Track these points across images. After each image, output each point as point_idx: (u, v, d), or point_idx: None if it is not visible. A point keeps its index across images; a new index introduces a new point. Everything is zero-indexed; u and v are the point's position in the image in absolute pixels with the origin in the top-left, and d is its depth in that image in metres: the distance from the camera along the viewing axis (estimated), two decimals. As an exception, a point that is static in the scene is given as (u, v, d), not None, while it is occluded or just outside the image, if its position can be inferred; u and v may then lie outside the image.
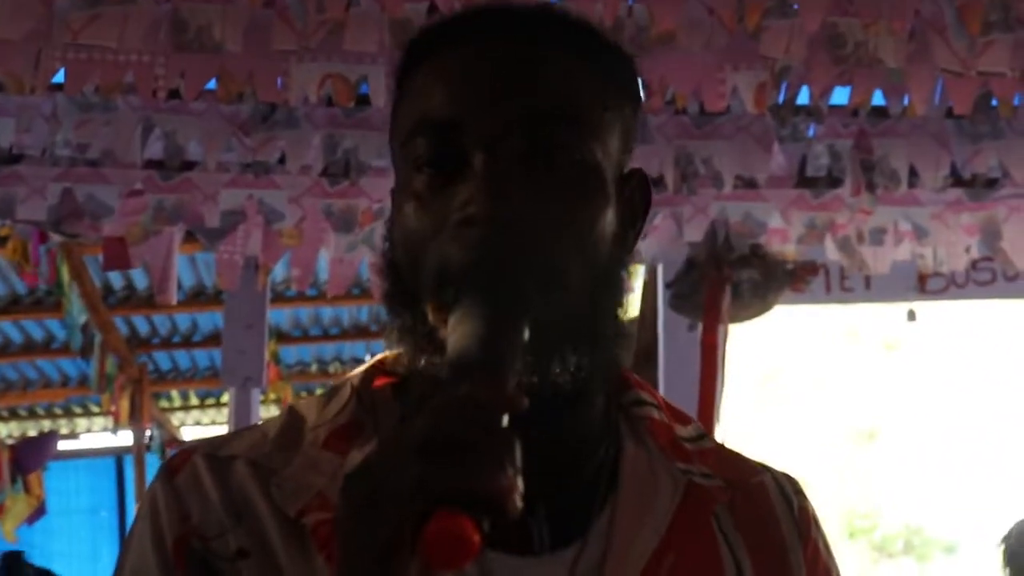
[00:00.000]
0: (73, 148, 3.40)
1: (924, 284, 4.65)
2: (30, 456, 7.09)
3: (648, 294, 4.96)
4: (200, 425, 9.39)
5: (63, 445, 8.27)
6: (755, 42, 2.72)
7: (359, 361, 7.79)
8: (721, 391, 4.39)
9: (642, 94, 1.09)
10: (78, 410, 9.02)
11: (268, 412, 7.14)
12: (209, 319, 7.20)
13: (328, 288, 4.15)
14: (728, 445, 1.14)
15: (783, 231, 3.93)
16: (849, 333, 17.56)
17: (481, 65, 0.99)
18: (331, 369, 8.13)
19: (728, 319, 4.21)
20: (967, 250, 4.01)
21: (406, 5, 2.58)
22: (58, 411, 9.02)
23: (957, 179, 3.67)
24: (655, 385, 4.59)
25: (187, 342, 7.65)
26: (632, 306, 5.34)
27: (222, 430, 8.27)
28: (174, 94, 2.93)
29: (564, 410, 0.99)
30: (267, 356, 5.16)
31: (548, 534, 0.98)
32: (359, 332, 7.55)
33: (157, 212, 3.57)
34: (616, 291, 1.01)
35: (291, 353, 7.86)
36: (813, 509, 1.12)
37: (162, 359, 7.97)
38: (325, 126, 3.29)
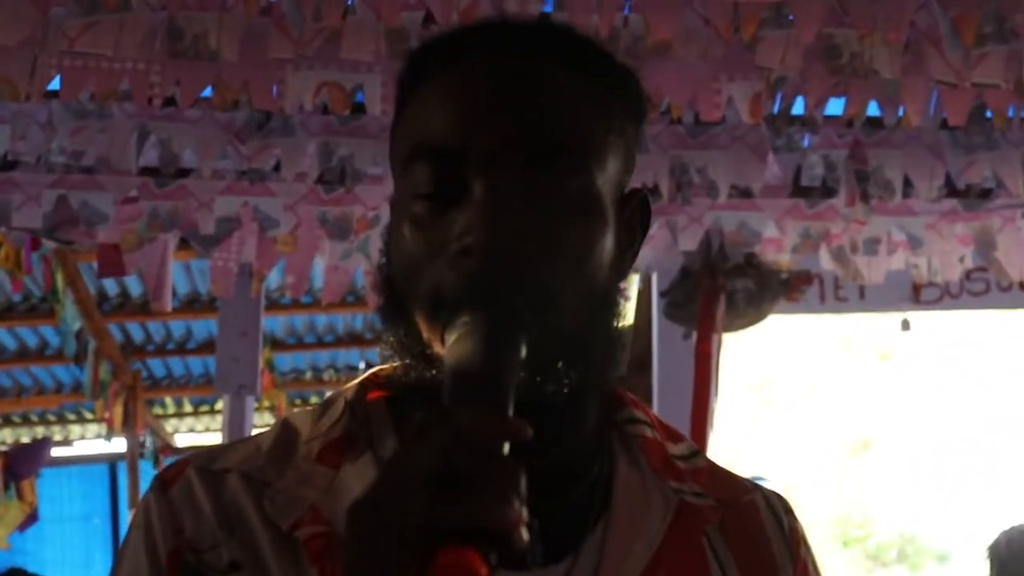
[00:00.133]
0: (68, 155, 3.40)
1: (918, 294, 4.66)
2: (23, 463, 7.06)
3: (642, 303, 4.97)
4: (194, 432, 9.38)
5: (57, 452, 8.25)
6: (751, 52, 2.72)
7: (353, 369, 7.80)
8: (715, 400, 4.40)
9: (644, 106, 1.09)
10: (72, 417, 9.00)
11: (262, 419, 7.14)
12: (203, 326, 7.19)
13: (323, 296, 4.15)
14: (720, 460, 1.14)
15: (778, 240, 3.94)
16: (843, 343, 17.59)
17: (483, 90, 0.98)
18: (325, 377, 8.13)
19: (722, 328, 4.22)
20: (961, 260, 4.02)
21: (402, 14, 2.58)
22: (52, 418, 9.00)
23: (951, 189, 3.68)
24: (649, 393, 4.60)
25: (181, 349, 7.65)
26: (627, 318, 5.33)
27: (216, 437, 8.28)
28: (169, 102, 2.93)
29: (558, 428, 0.99)
30: (261, 363, 5.16)
31: (540, 549, 0.98)
32: (354, 340, 7.55)
33: (152, 219, 3.58)
34: (611, 313, 1.01)
35: (286, 360, 7.86)
36: (803, 529, 1.12)
37: (156, 366, 7.96)
38: (320, 134, 3.29)
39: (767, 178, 3.51)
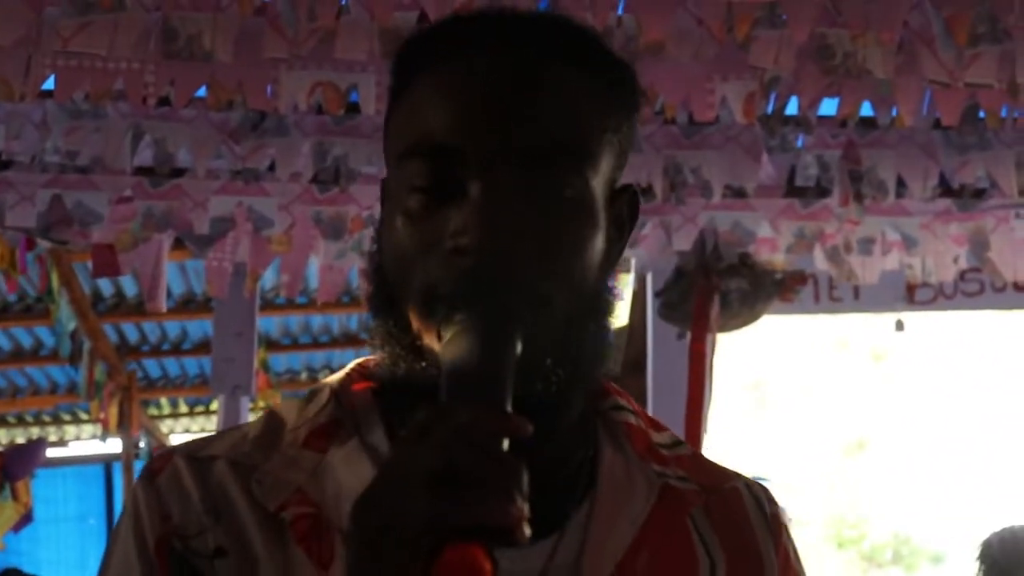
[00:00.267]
0: (63, 155, 3.40)
1: (912, 295, 4.67)
2: (18, 463, 7.05)
3: (637, 303, 4.97)
4: (189, 433, 9.36)
5: (52, 452, 8.24)
6: (744, 52, 2.73)
7: (349, 369, 7.79)
8: (709, 400, 4.40)
9: (639, 99, 1.09)
10: (67, 417, 9.00)
11: (257, 420, 7.12)
12: (199, 327, 7.19)
13: (318, 295, 4.15)
14: (710, 453, 1.15)
15: (772, 240, 3.95)
16: (838, 343, 17.61)
17: (482, 87, 0.98)
18: (321, 377, 8.09)
19: (716, 328, 4.22)
20: (955, 260, 4.02)
21: (396, 14, 2.58)
22: (47, 418, 8.99)
23: (945, 189, 3.69)
24: (644, 393, 4.61)
25: (176, 350, 7.64)
26: (620, 315, 5.34)
27: (211, 438, 8.27)
28: (164, 101, 2.94)
29: (549, 422, 1.00)
30: (256, 364, 5.16)
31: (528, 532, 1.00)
32: (349, 340, 7.55)
33: (146, 219, 3.58)
34: (601, 309, 1.02)
35: (281, 361, 7.86)
36: (784, 517, 1.14)
37: (151, 366, 7.96)
38: (315, 134, 3.29)
39: (761, 178, 3.52)
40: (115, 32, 2.63)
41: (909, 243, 3.92)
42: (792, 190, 3.74)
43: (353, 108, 3.03)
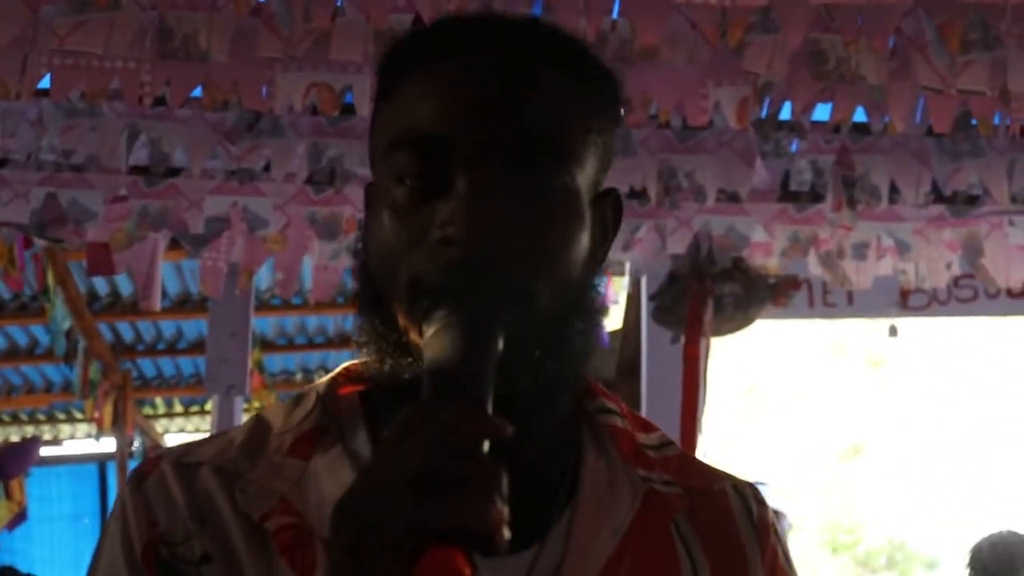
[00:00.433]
0: (58, 153, 3.41)
1: (906, 300, 4.68)
2: (12, 462, 7.05)
3: (632, 307, 4.98)
4: (184, 432, 9.36)
5: (46, 451, 8.24)
6: (738, 57, 2.73)
7: (343, 370, 7.79)
8: (703, 403, 4.41)
9: (622, 109, 1.11)
10: (61, 416, 8.99)
11: (252, 420, 7.12)
12: (194, 326, 7.19)
13: (312, 295, 4.16)
14: (706, 457, 1.15)
15: (766, 245, 3.96)
16: (835, 348, 17.62)
17: (470, 84, 0.99)
18: (316, 378, 8.05)
19: (710, 332, 4.23)
20: (948, 266, 4.03)
21: (391, 16, 2.59)
22: (41, 417, 8.99)
23: (938, 196, 3.69)
24: (638, 396, 4.61)
25: (172, 349, 7.64)
26: (608, 317, 5.35)
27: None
28: (159, 101, 2.94)
29: (530, 420, 1.00)
30: (251, 364, 5.16)
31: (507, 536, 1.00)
32: (344, 341, 7.54)
33: (141, 218, 3.59)
34: (585, 309, 1.03)
35: (276, 362, 7.86)
36: (773, 518, 1.14)
37: (146, 366, 7.96)
38: (310, 134, 3.30)
39: (755, 183, 3.53)
40: (111, 31, 2.63)
41: (902, 248, 3.93)
42: (786, 195, 3.75)
43: (348, 109, 3.04)
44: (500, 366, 0.91)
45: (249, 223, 3.67)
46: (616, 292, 5.13)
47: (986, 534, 3.89)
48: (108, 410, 6.95)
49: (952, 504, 16.63)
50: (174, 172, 3.57)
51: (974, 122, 2.95)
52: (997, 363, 16.25)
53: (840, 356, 17.71)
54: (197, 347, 7.16)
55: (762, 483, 5.23)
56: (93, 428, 7.68)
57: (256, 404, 7.37)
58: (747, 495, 1.12)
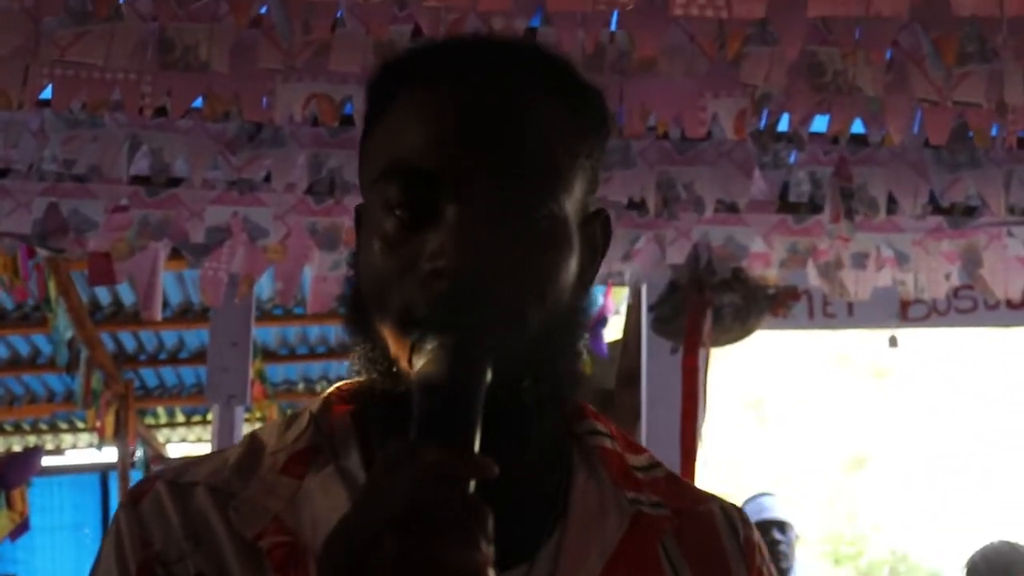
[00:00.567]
0: (60, 163, 3.42)
1: (906, 311, 4.68)
2: (14, 472, 7.05)
3: (632, 317, 4.99)
4: (186, 442, 9.37)
5: (48, 461, 8.24)
6: (735, 69, 2.75)
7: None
8: (703, 414, 4.41)
9: (609, 128, 1.11)
10: (64, 426, 9.00)
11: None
12: (196, 336, 7.21)
13: (310, 305, 4.17)
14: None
15: (765, 255, 3.96)
16: (838, 359, 17.60)
17: (458, 113, 0.99)
18: (317, 388, 8.12)
19: (709, 343, 4.24)
20: (947, 277, 4.04)
21: (391, 28, 2.60)
22: (43, 427, 9.00)
23: (936, 207, 3.70)
24: (639, 407, 4.62)
25: (173, 359, 7.66)
26: (609, 328, 5.36)
27: (207, 448, 8.27)
28: (160, 112, 2.96)
29: (517, 440, 1.01)
30: (251, 374, 5.17)
31: (496, 556, 1.01)
32: (346, 351, 7.50)
33: (142, 228, 3.60)
34: (573, 331, 1.04)
35: (277, 371, 7.87)
36: (760, 540, 1.15)
37: (148, 376, 7.97)
38: (310, 145, 3.31)
39: (754, 193, 3.54)
40: (112, 42, 2.65)
41: (901, 259, 3.93)
42: (785, 206, 3.76)
43: (347, 120, 3.05)
44: (489, 392, 0.92)
45: (250, 233, 3.68)
46: (617, 303, 5.14)
47: (980, 546, 3.90)
48: (110, 420, 6.96)
49: (955, 515, 16.60)
50: (175, 182, 3.59)
51: (971, 134, 2.96)
52: (1001, 374, 16.24)
53: (844, 367, 17.68)
54: (199, 357, 7.17)
55: (769, 494, 5.23)
56: (95, 438, 7.70)
57: (257, 414, 7.39)
58: (733, 516, 1.13)
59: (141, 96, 2.80)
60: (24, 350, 7.35)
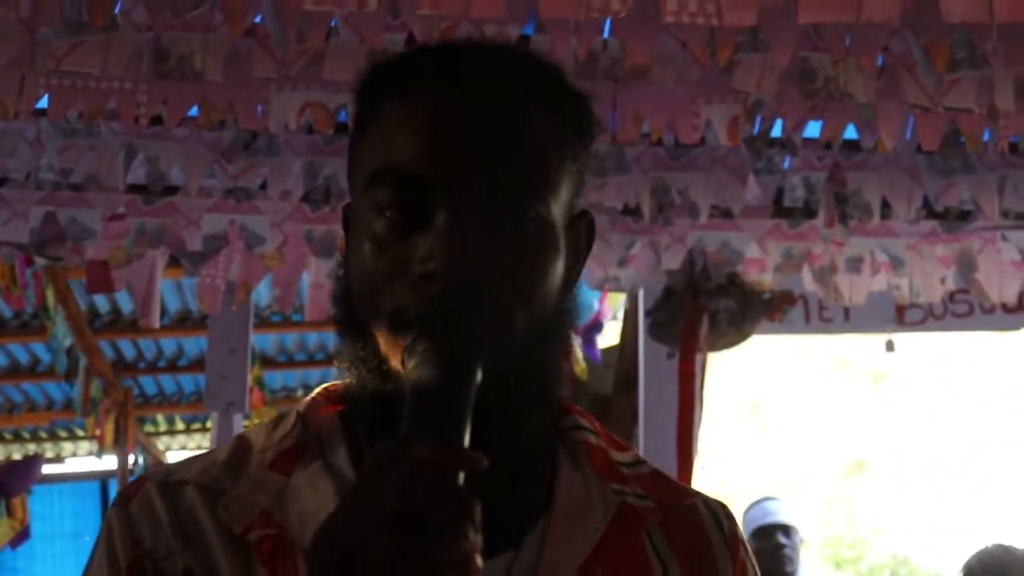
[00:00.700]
0: (57, 172, 3.44)
1: (902, 316, 4.69)
2: (14, 480, 7.06)
3: (629, 322, 4.99)
4: (185, 450, 9.37)
5: (48, 469, 8.25)
6: (728, 76, 2.76)
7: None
8: (700, 418, 4.42)
9: (595, 132, 1.13)
10: (63, 434, 9.00)
11: (252, 437, 7.11)
12: (195, 344, 7.21)
13: (307, 313, 4.18)
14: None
15: (760, 260, 3.97)
16: (837, 364, 17.60)
17: (450, 119, 1.01)
18: (316, 395, 8.11)
19: (705, 348, 4.25)
20: (942, 281, 4.04)
21: (384, 36, 2.62)
22: (43, 435, 9.00)
23: (930, 212, 3.71)
24: (636, 412, 4.63)
25: (172, 366, 7.66)
26: (611, 335, 5.37)
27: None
28: (156, 120, 2.97)
29: (505, 436, 1.03)
30: (251, 381, 5.18)
31: (483, 542, 1.03)
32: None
33: (139, 236, 3.61)
34: (559, 332, 1.07)
35: (276, 378, 7.87)
36: (743, 534, 1.17)
37: (147, 383, 7.98)
38: (306, 153, 3.33)
39: (748, 199, 3.55)
40: (107, 52, 2.66)
41: (896, 264, 3.94)
42: (779, 211, 3.77)
43: (342, 128, 3.06)
44: (478, 391, 0.94)
45: (246, 241, 3.69)
46: (613, 308, 5.15)
47: (975, 550, 3.90)
48: (109, 428, 6.97)
49: (956, 518, 16.60)
50: (171, 190, 3.60)
51: (963, 139, 2.97)
52: (999, 377, 16.24)
53: (842, 371, 17.69)
54: (198, 364, 7.17)
55: (773, 498, 5.23)
56: (95, 446, 7.70)
57: (256, 421, 7.38)
58: (717, 511, 1.15)
59: (137, 105, 2.82)
60: (23, 358, 7.36)
